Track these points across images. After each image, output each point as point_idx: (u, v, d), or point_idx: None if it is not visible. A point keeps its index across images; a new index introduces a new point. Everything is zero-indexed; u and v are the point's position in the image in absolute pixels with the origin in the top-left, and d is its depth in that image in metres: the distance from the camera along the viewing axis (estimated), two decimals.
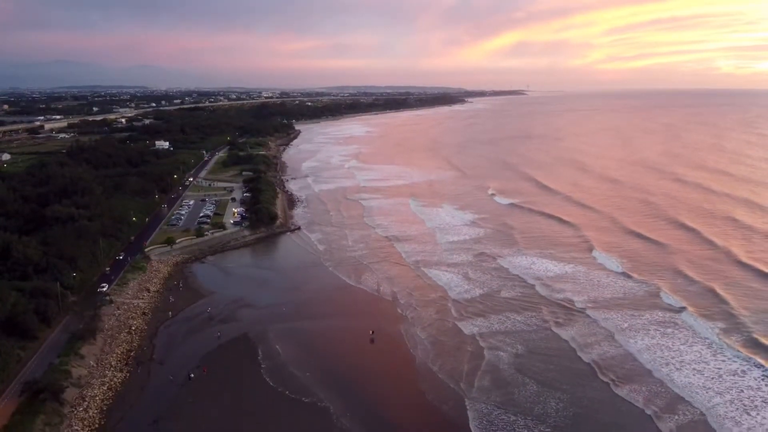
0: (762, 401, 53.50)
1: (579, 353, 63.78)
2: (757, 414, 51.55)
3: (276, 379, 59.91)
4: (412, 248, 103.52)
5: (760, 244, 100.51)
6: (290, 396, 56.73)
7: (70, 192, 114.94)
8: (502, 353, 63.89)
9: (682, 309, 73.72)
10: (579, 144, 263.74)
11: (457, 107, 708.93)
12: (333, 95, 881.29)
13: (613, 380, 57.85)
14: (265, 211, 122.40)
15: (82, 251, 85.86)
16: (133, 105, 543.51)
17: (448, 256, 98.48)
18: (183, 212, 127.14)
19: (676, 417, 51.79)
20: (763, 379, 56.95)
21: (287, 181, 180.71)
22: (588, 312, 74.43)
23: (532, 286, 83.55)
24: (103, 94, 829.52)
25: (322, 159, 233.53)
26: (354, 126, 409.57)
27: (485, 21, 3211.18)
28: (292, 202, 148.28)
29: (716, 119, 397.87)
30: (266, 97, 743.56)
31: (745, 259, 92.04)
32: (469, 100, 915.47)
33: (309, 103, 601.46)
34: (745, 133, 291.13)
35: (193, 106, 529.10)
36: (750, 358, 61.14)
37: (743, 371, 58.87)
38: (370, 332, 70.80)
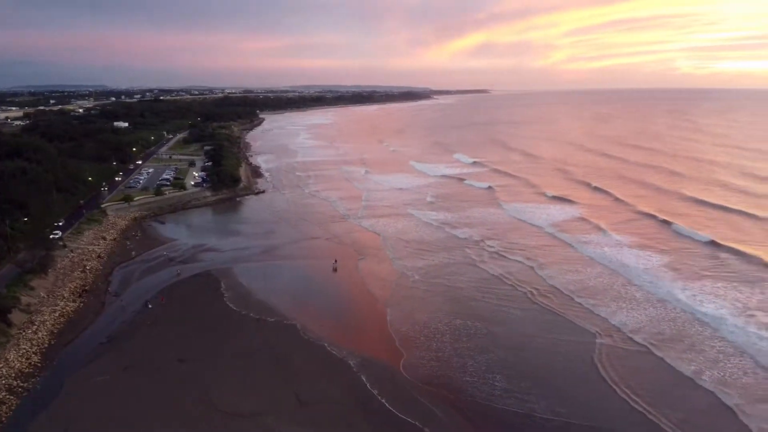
0: None
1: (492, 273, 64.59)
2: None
3: (240, 304, 57.88)
4: (364, 206, 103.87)
5: (660, 199, 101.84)
6: (255, 317, 54.95)
7: (22, 151, 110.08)
8: (410, 270, 67.53)
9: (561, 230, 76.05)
10: (520, 130, 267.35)
11: (423, 102, 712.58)
12: (298, 93, 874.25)
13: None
14: (228, 173, 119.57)
15: (33, 199, 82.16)
16: (92, 99, 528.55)
17: (389, 211, 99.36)
18: (142, 177, 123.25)
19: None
20: None
21: (251, 156, 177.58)
22: (487, 243, 77.55)
23: (446, 231, 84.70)
24: (61, 91, 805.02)
25: (287, 139, 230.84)
26: (321, 116, 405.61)
27: (449, 22, 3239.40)
28: (256, 172, 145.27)
29: (653, 110, 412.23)
30: (229, 93, 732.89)
31: (644, 209, 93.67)
32: (435, 97, 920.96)
33: (272, 96, 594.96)
34: (675, 120, 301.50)
35: (153, 99, 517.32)
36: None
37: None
38: (334, 261, 70.37)
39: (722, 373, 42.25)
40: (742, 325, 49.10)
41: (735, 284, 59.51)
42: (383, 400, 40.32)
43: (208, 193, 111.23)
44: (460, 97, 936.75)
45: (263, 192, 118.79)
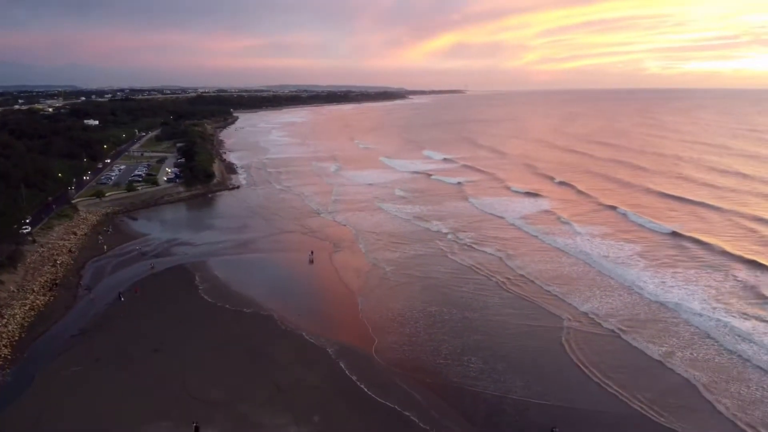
0: None
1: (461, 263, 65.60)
2: None
3: (215, 296, 57.27)
4: (336, 201, 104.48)
5: (624, 192, 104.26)
6: (231, 309, 54.45)
7: None
8: (383, 262, 67.19)
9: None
10: (490, 128, 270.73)
11: (398, 102, 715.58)
12: (273, 92, 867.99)
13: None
14: (201, 169, 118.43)
15: (1, 195, 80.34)
16: (61, 99, 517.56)
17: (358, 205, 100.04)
18: (114, 174, 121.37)
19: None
20: None
21: (225, 153, 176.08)
22: (457, 235, 77.88)
23: (416, 224, 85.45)
24: (30, 91, 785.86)
25: (261, 137, 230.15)
26: (296, 115, 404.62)
27: (424, 23, 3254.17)
28: (230, 169, 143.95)
29: (621, 109, 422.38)
30: (202, 92, 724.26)
31: (609, 202, 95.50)
32: (411, 97, 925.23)
33: (246, 95, 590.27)
34: (642, 119, 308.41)
35: (125, 98, 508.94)
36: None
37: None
38: (310, 252, 70.32)
39: (690, 356, 43.36)
40: (706, 311, 50.34)
41: (697, 271, 61.14)
42: (362, 386, 40.36)
43: (181, 189, 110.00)
44: (435, 97, 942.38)
45: (237, 188, 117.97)
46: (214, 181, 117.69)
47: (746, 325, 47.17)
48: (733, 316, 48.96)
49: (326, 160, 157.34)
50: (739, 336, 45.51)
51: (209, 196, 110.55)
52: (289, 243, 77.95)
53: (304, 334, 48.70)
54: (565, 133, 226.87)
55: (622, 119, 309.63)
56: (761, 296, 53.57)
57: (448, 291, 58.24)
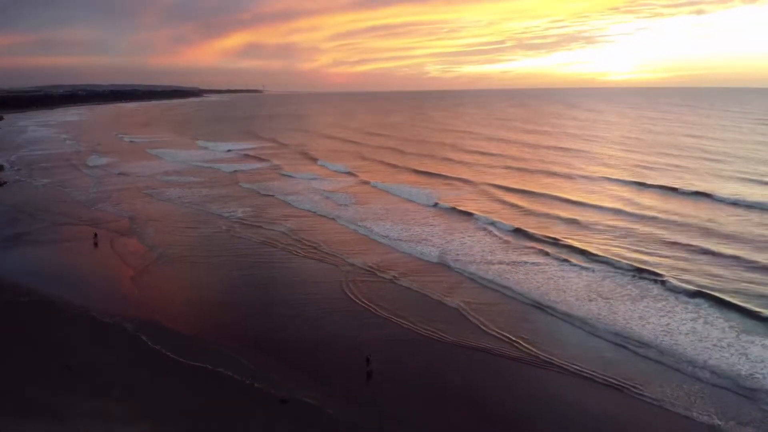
0: None
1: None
2: None
3: None
4: (104, 191, 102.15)
5: (389, 171, 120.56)
6: (4, 300, 48.75)
7: None
8: (165, 244, 67.17)
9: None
10: (275, 123, 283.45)
11: (192, 100, 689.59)
12: (44, 92, 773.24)
13: None
14: None
15: None
16: None
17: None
18: None
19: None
20: None
21: None
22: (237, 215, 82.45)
23: (192, 207, 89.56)
24: None
25: (25, 136, 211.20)
26: (69, 114, 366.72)
27: (212, 21, 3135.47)
28: None
29: (396, 107, 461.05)
30: None
31: (372, 179, 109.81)
32: (206, 95, 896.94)
33: (12, 95, 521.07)
34: (413, 115, 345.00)
35: None
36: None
37: None
38: (94, 235, 66.71)
39: (460, 295, 48.27)
40: (461, 262, 56.24)
41: (456, 232, 67.41)
42: (169, 353, 38.59)
43: None
44: (231, 96, 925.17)
45: (5, 183, 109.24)
46: None
47: (493, 269, 53.59)
48: (486, 265, 55.08)
49: (91, 154, 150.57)
50: (491, 280, 50.86)
51: None
52: (67, 233, 71.79)
53: (95, 315, 45.26)
54: (342, 126, 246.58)
55: (395, 115, 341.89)
56: (502, 247, 61.01)
57: (242, 261, 58.81)
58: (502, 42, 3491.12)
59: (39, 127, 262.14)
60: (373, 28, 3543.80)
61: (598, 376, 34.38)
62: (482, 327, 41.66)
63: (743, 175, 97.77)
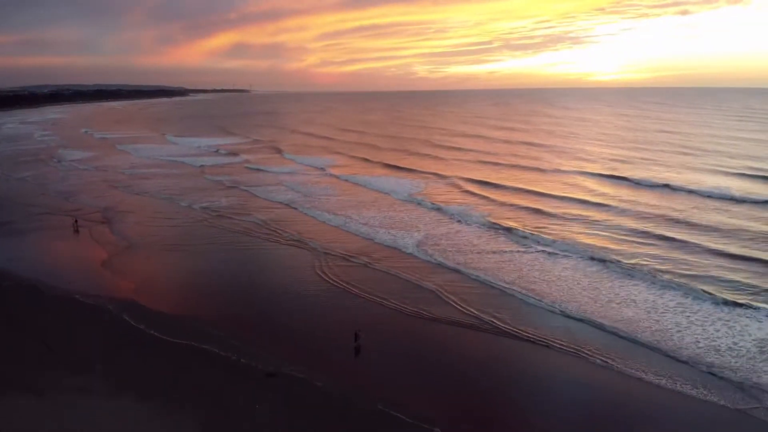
0: None
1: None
2: None
3: None
4: (82, 183, 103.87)
5: (361, 165, 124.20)
6: None
7: None
8: (144, 234, 68.24)
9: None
10: (251, 120, 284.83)
11: (177, 99, 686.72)
12: (29, 92, 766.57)
13: None
14: None
15: None
16: None
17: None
18: None
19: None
20: None
21: None
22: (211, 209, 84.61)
23: (160, 199, 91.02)
24: None
25: (13, 133, 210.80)
26: (56, 112, 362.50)
27: (199, 20, 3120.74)
28: None
29: (377, 105, 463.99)
30: None
31: (343, 174, 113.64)
32: (192, 95, 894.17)
33: None
34: (390, 113, 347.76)
35: None
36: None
37: None
38: (74, 221, 67.20)
39: (430, 277, 51.10)
40: (423, 249, 58.70)
41: (422, 221, 69.04)
42: (152, 332, 38.65)
43: None
44: (217, 96, 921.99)
45: None
46: None
47: (465, 257, 54.99)
48: (459, 253, 56.26)
49: (64, 149, 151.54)
50: (463, 266, 52.43)
51: None
52: (47, 221, 71.99)
53: (78, 296, 45.20)
54: (319, 123, 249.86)
55: (375, 113, 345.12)
56: (474, 236, 62.57)
57: (217, 248, 59.46)
58: (489, 42, 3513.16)
59: (20, 124, 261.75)
60: (361, 28, 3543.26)
61: (561, 344, 37.19)
62: (458, 306, 43.35)
63: (710, 167, 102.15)
